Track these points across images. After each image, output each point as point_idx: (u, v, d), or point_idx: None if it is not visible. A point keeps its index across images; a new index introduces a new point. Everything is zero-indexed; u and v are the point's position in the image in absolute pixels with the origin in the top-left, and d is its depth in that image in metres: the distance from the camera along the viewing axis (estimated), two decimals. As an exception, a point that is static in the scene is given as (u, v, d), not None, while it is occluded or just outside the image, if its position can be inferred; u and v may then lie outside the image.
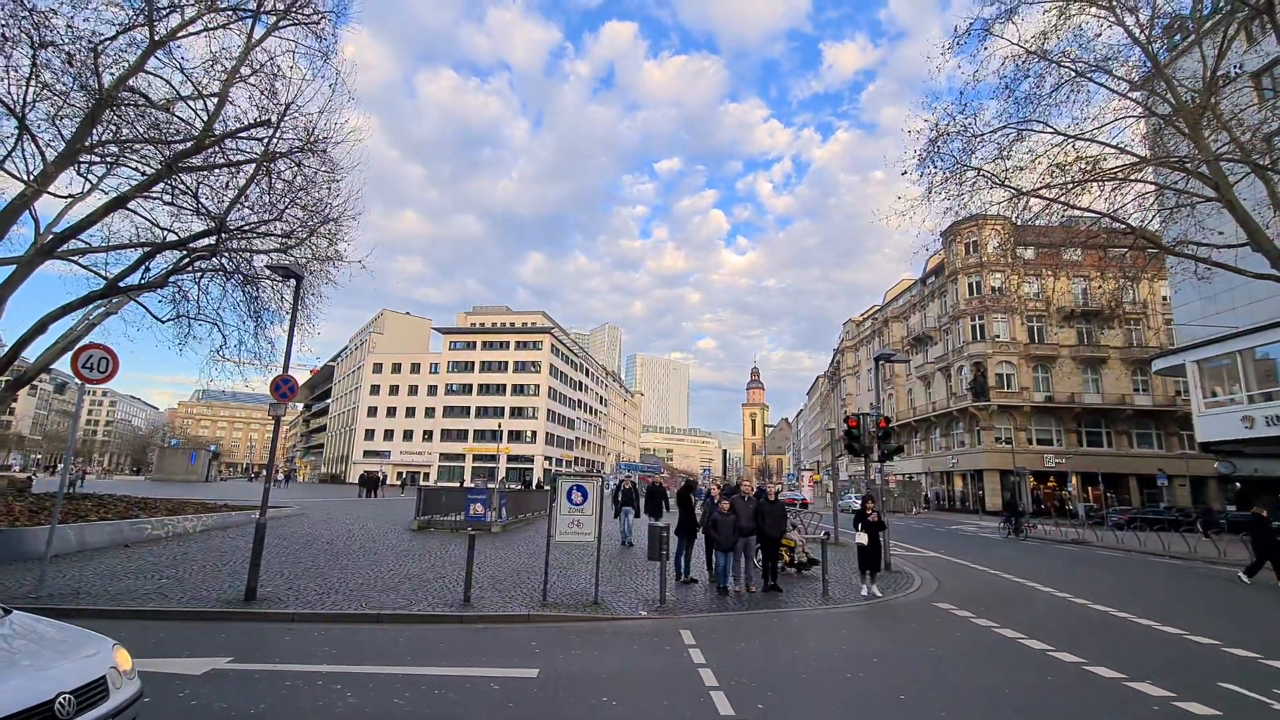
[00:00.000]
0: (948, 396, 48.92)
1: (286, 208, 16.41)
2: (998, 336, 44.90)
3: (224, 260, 16.82)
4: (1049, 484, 43.30)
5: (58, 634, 4.12)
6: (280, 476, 76.32)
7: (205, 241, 15.61)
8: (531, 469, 77.15)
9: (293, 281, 10.55)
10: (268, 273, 17.22)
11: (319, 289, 18.20)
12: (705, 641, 7.44)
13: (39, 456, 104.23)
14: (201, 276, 17.08)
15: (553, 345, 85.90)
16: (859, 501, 12.66)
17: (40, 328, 14.49)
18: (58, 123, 14.39)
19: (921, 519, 39.11)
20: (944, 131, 18.80)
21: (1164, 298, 42.17)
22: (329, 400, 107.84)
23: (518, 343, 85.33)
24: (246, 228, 15.83)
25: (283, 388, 9.11)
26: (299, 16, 14.78)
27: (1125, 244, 20.04)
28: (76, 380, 8.78)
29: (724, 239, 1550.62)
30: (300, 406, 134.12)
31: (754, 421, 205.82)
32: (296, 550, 13.35)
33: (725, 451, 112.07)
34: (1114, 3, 17.48)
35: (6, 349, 15.82)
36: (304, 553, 13.07)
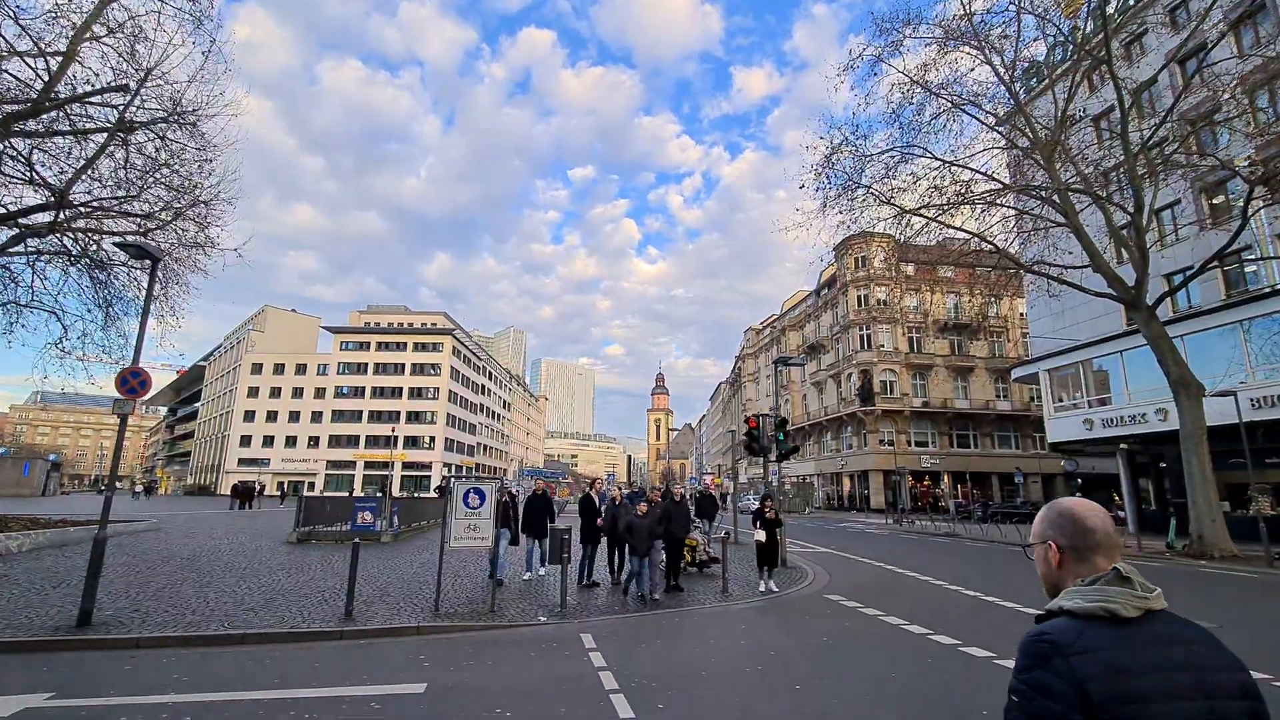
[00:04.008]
0: (838, 402, 51.89)
1: (146, 186, 14.68)
2: (883, 346, 48.22)
3: (66, 241, 14.78)
4: (925, 482, 46.94)
5: None
6: (139, 488, 68.11)
7: (43, 218, 13.63)
8: (429, 476, 73.82)
9: (148, 263, 9.36)
10: (122, 257, 15.33)
11: (185, 278, 16.42)
12: (606, 644, 7.27)
13: None
14: (37, 258, 14.92)
15: (454, 347, 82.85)
16: (757, 502, 13.01)
17: None
18: None
19: (814, 518, 41.11)
20: (838, 149, 20.01)
21: (1021, 314, 47.01)
22: (198, 404, 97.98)
23: (416, 344, 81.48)
24: (95, 204, 13.96)
25: (131, 382, 7.99)
26: (164, -30, 13.29)
27: (990, 263, 22.14)
28: None
29: (635, 248, 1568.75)
30: (164, 411, 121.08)
31: (658, 427, 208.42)
32: (148, 569, 11.84)
33: (630, 457, 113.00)
34: (983, 43, 19.31)
35: None
36: (157, 571, 11.60)
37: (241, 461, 75.98)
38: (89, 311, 15.50)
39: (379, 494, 31.54)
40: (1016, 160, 22.30)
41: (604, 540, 12.11)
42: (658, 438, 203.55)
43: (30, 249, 14.46)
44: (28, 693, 5.25)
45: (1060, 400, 28.81)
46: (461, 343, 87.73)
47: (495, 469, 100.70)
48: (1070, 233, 19.41)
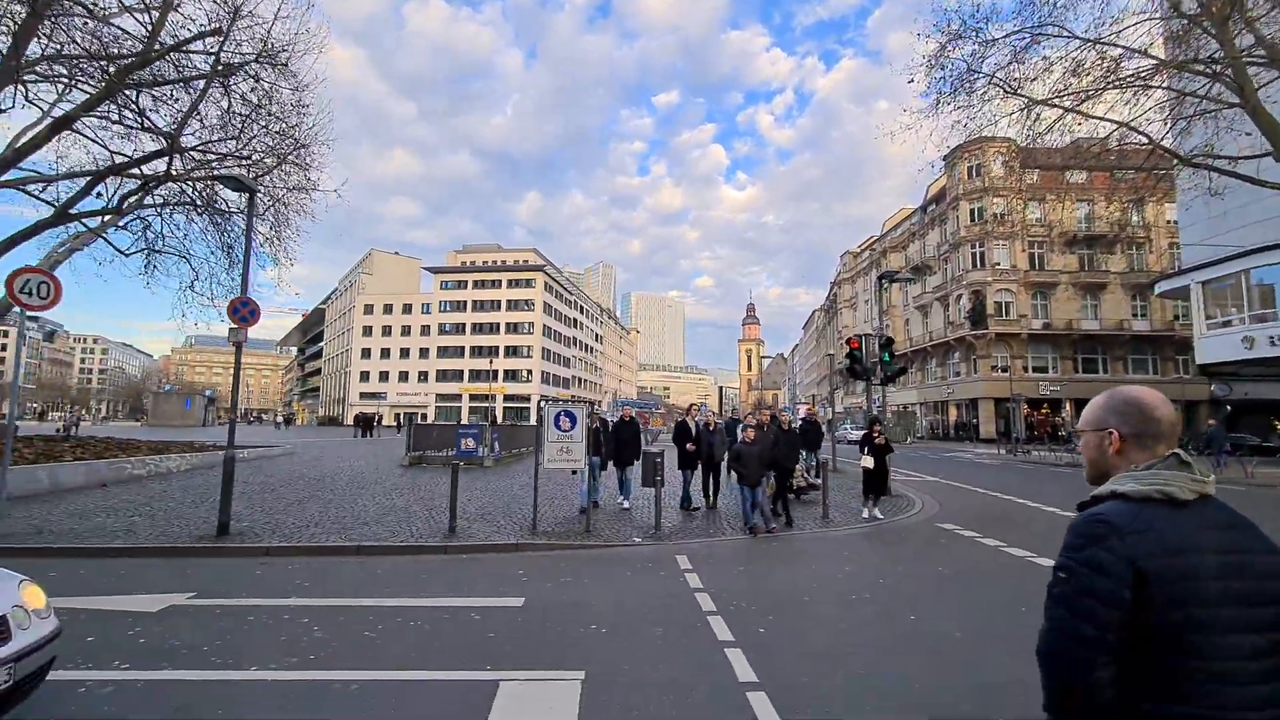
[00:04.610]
0: (945, 326, 48.45)
1: (250, 135, 15.28)
2: (998, 264, 44.01)
3: (186, 189, 15.82)
4: (1043, 411, 43.43)
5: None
6: (280, 420, 76.47)
7: (160, 165, 14.53)
8: (528, 408, 77.27)
9: (246, 195, 9.68)
10: (240, 203, 16.25)
11: (294, 221, 17.27)
12: (702, 566, 7.09)
13: (35, 405, 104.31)
14: (164, 207, 16.13)
15: (546, 283, 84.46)
16: (856, 432, 12.25)
17: (-12, 261, 13.61)
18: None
19: (917, 448, 39.34)
20: (955, 34, 17.48)
21: (1169, 220, 41.02)
22: (322, 344, 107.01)
23: (510, 280, 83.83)
24: (204, 148, 14.71)
25: (242, 310, 8.40)
26: (242, -96, 13.21)
27: (1136, 162, 19.03)
28: (16, 309, 8.09)
29: (723, 174, 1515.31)
30: (295, 351, 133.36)
31: (749, 357, 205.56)
32: (279, 487, 13.00)
33: (721, 388, 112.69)
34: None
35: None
36: (287, 489, 12.71)
37: (362, 395, 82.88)
38: (212, 254, 16.72)
39: (483, 422, 33.27)
40: (1179, 32, 18.65)
41: (700, 466, 11.88)
42: (749, 368, 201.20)
43: (156, 198, 15.59)
44: (173, 592, 5.77)
45: (1214, 317, 25.17)
46: (553, 278, 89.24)
47: (590, 401, 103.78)
48: (1246, 114, 16.16)
